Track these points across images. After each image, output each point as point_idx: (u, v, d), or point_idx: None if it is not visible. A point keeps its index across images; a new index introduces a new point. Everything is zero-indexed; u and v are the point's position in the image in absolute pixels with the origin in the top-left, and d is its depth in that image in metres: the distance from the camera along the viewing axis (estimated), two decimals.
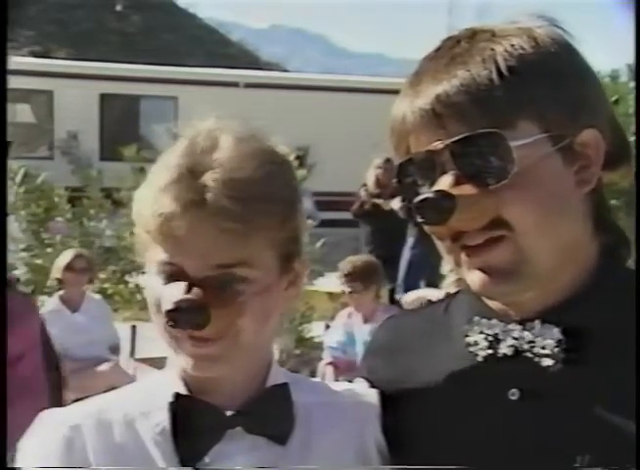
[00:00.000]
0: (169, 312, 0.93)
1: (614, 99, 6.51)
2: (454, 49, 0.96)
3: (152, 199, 0.96)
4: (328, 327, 5.88)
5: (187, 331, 0.95)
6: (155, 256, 0.98)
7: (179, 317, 0.93)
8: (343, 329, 5.10)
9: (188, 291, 0.94)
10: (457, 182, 0.92)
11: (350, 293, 5.07)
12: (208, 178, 0.95)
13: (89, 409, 1.05)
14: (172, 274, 0.96)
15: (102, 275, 7.75)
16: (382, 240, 8.38)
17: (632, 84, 6.32)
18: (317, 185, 9.93)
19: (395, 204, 8.07)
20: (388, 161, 8.54)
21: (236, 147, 0.99)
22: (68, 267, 5.58)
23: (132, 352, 6.31)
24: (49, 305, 5.75)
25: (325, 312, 6.69)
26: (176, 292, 0.94)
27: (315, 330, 6.51)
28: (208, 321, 0.93)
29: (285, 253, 1.02)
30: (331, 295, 7.30)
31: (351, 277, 5.05)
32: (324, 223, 8.98)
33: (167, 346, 1.01)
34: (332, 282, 7.36)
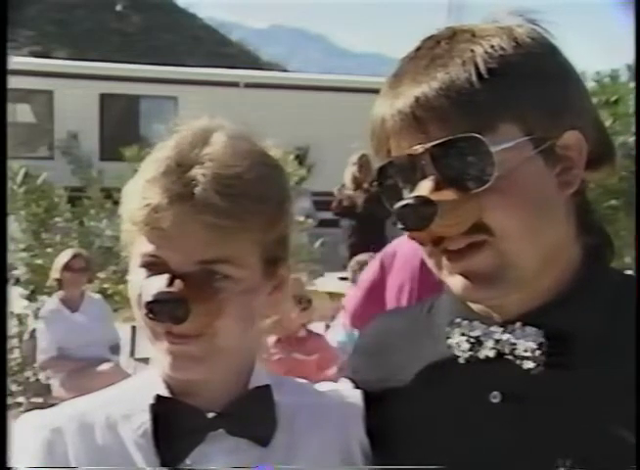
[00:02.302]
0: (149, 304, 0.92)
1: (614, 99, 6.50)
2: (434, 50, 0.95)
3: (139, 191, 0.96)
4: (328, 327, 5.87)
5: (165, 327, 0.95)
6: (139, 248, 0.98)
7: (158, 309, 0.92)
8: (344, 329, 5.09)
9: (170, 284, 0.94)
10: (437, 187, 0.91)
11: None
12: (198, 172, 0.94)
13: (71, 412, 1.04)
14: (155, 267, 0.96)
15: (102, 275, 7.73)
16: (362, 234, 8.44)
17: (632, 84, 6.31)
18: (317, 185, 9.93)
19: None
20: (362, 156, 8.67)
21: (228, 144, 0.99)
22: (67, 267, 5.58)
23: (132, 352, 6.31)
24: (49, 304, 5.75)
25: (325, 312, 6.68)
26: (157, 284, 0.94)
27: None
28: (187, 315, 0.92)
29: (271, 256, 1.01)
30: (331, 295, 7.29)
31: None
32: (324, 223, 8.99)
33: (149, 342, 1.00)
34: (332, 282, 7.36)
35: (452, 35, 0.96)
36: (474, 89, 0.90)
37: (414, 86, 0.93)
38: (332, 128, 13.30)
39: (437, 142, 0.91)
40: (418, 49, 0.98)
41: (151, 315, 0.93)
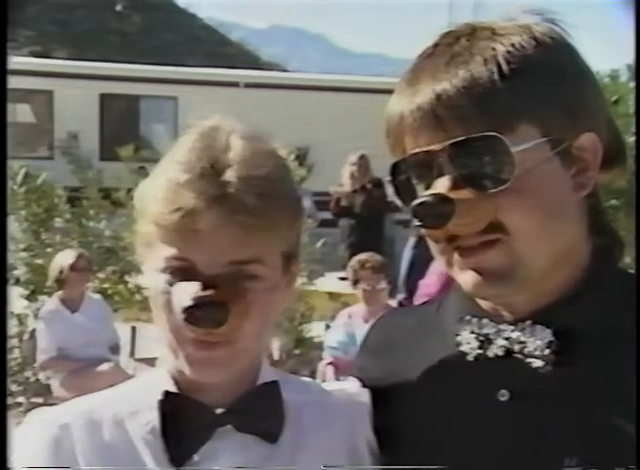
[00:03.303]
0: (188, 309, 0.91)
1: (614, 99, 6.49)
2: (453, 47, 0.94)
3: (167, 194, 0.95)
4: (328, 327, 5.87)
5: (200, 332, 0.94)
6: (162, 252, 0.97)
7: (199, 314, 0.91)
8: (344, 329, 5.09)
9: (204, 288, 0.93)
10: (455, 185, 0.91)
11: (372, 289, 5.02)
12: (232, 174, 0.95)
13: (78, 409, 1.04)
14: (182, 270, 0.95)
15: (102, 275, 7.74)
16: (361, 233, 8.45)
17: (632, 84, 6.31)
18: (317, 185, 9.92)
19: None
20: (361, 157, 8.71)
21: (248, 146, 0.99)
22: (73, 267, 5.55)
23: (132, 353, 6.31)
24: (49, 305, 5.74)
25: (325, 312, 6.68)
26: (191, 289, 0.93)
27: (315, 330, 6.51)
28: (227, 318, 0.91)
29: (289, 252, 1.02)
30: (331, 295, 7.29)
31: (373, 272, 5.03)
32: (324, 223, 8.98)
33: (169, 348, 1.00)
34: (332, 282, 7.36)
35: (472, 32, 0.95)
36: (495, 88, 0.90)
37: (434, 83, 0.92)
38: (332, 128, 13.29)
39: (457, 140, 0.90)
40: (436, 45, 0.97)
41: (191, 320, 0.91)
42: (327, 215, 9.42)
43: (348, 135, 12.49)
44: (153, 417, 1.02)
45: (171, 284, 0.96)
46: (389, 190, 1.00)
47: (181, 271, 0.96)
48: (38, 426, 1.02)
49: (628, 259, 1.07)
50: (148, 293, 1.01)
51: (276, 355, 6.19)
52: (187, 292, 0.93)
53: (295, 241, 1.04)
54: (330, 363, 5.09)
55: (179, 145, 1.01)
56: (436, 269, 3.64)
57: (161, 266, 0.97)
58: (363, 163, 8.89)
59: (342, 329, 5.12)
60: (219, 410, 1.01)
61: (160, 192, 0.96)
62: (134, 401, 1.04)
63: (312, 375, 5.14)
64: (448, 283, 1.04)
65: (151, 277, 0.99)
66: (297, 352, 6.37)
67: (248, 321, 0.96)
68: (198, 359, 0.97)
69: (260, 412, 1.03)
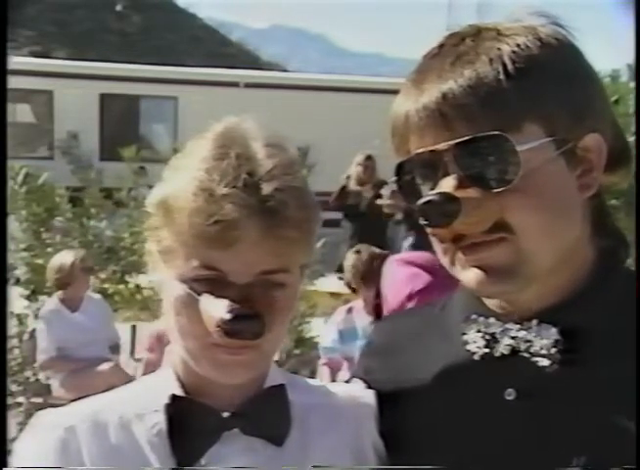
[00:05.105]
0: (226, 322, 0.90)
1: (614, 99, 6.50)
2: (459, 47, 0.95)
3: (203, 205, 0.93)
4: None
5: (227, 343, 0.93)
6: (189, 260, 0.95)
7: (237, 327, 0.90)
8: (342, 325, 5.05)
9: (237, 299, 0.92)
10: (460, 184, 0.91)
11: (373, 272, 5.01)
12: (270, 186, 0.94)
13: (84, 411, 1.04)
14: (211, 280, 0.94)
15: (102, 275, 7.73)
16: (364, 234, 8.45)
17: (632, 84, 6.31)
18: (317, 185, 9.93)
19: (386, 202, 8.15)
20: (368, 158, 8.71)
21: (277, 154, 0.99)
22: (73, 268, 5.53)
23: (132, 353, 6.31)
24: (49, 304, 5.73)
25: (326, 311, 6.68)
26: (225, 300, 0.92)
27: (315, 330, 6.51)
28: (265, 331, 0.92)
29: (307, 259, 1.03)
30: (332, 294, 7.29)
31: (371, 269, 5.02)
32: (324, 223, 8.98)
33: (186, 351, 0.99)
34: (332, 282, 7.36)
35: (477, 33, 0.96)
36: (501, 87, 0.90)
37: (440, 83, 0.92)
38: (332, 128, 13.29)
39: (463, 139, 0.91)
40: (441, 46, 0.97)
41: (229, 333, 0.91)
42: (327, 215, 9.43)
43: (348, 135, 12.49)
44: (159, 419, 1.01)
45: (199, 293, 0.95)
46: (394, 190, 1.00)
47: (210, 281, 0.95)
48: (44, 429, 1.02)
49: (629, 260, 1.07)
50: (165, 298, 1.00)
51: (276, 356, 6.19)
52: (221, 303, 0.92)
53: (313, 247, 1.04)
54: (324, 364, 5.07)
55: (200, 151, 0.98)
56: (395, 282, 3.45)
57: (188, 275, 0.96)
58: (370, 163, 8.89)
59: (337, 327, 5.08)
60: (226, 414, 1.01)
61: (194, 202, 0.94)
62: (140, 404, 1.04)
63: (312, 375, 5.13)
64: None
65: (171, 285, 0.98)
66: (297, 351, 6.37)
67: (275, 328, 0.96)
68: (224, 362, 0.96)
69: (267, 416, 1.03)
